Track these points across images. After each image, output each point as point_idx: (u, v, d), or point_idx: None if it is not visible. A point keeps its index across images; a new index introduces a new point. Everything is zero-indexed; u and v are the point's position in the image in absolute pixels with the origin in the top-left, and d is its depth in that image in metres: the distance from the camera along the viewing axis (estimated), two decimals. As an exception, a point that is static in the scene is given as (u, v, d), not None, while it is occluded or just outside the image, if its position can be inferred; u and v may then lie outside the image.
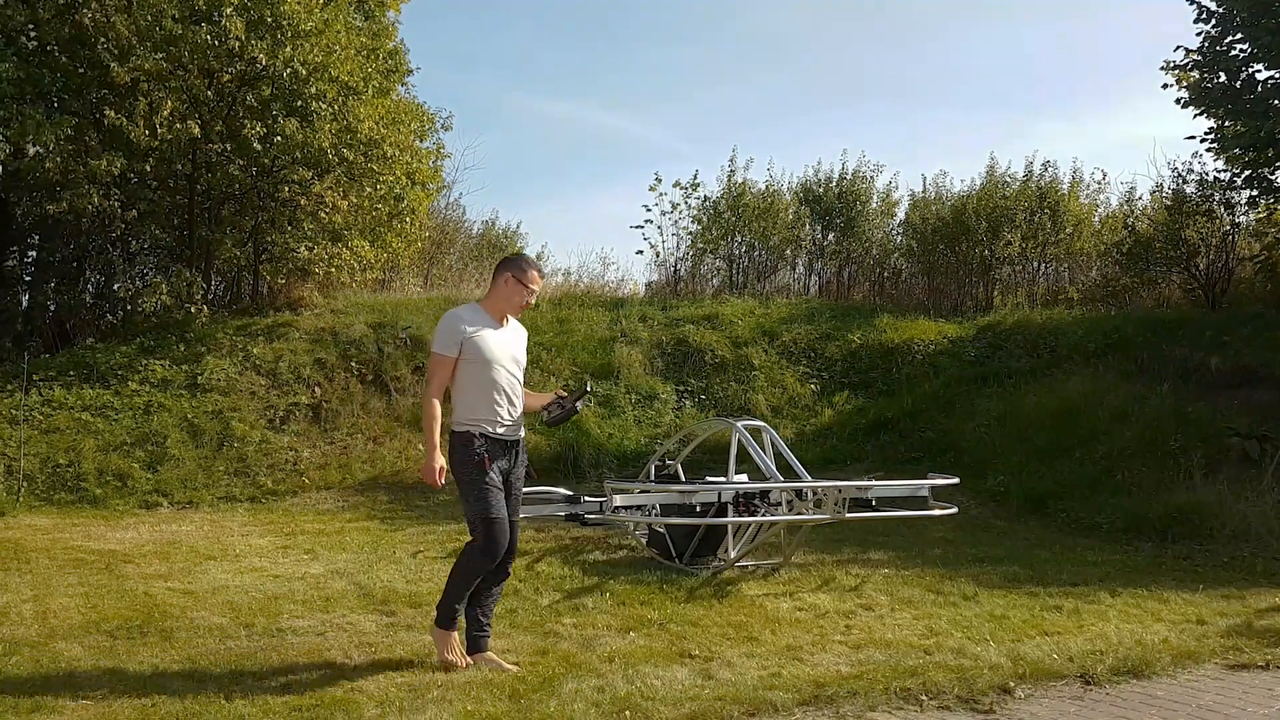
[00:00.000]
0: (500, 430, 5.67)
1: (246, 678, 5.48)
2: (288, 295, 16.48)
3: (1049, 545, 9.87)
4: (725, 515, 8.12)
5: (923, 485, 8.33)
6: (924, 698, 5.25)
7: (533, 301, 6.06)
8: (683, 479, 9.41)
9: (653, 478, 9.34)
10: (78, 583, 7.72)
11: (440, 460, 5.57)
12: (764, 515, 7.94)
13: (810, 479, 8.01)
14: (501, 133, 48.38)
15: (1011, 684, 5.40)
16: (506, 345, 5.80)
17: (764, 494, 8.00)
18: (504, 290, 5.82)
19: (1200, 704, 5.21)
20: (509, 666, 5.65)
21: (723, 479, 8.68)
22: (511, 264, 5.88)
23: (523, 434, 5.86)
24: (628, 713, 4.92)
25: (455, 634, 5.73)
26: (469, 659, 5.70)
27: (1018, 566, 8.72)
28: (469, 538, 5.67)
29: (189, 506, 11.78)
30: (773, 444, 8.52)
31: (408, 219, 16.95)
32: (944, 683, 5.44)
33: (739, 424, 8.56)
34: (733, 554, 8.47)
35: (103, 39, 14.55)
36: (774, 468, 8.21)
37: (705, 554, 8.65)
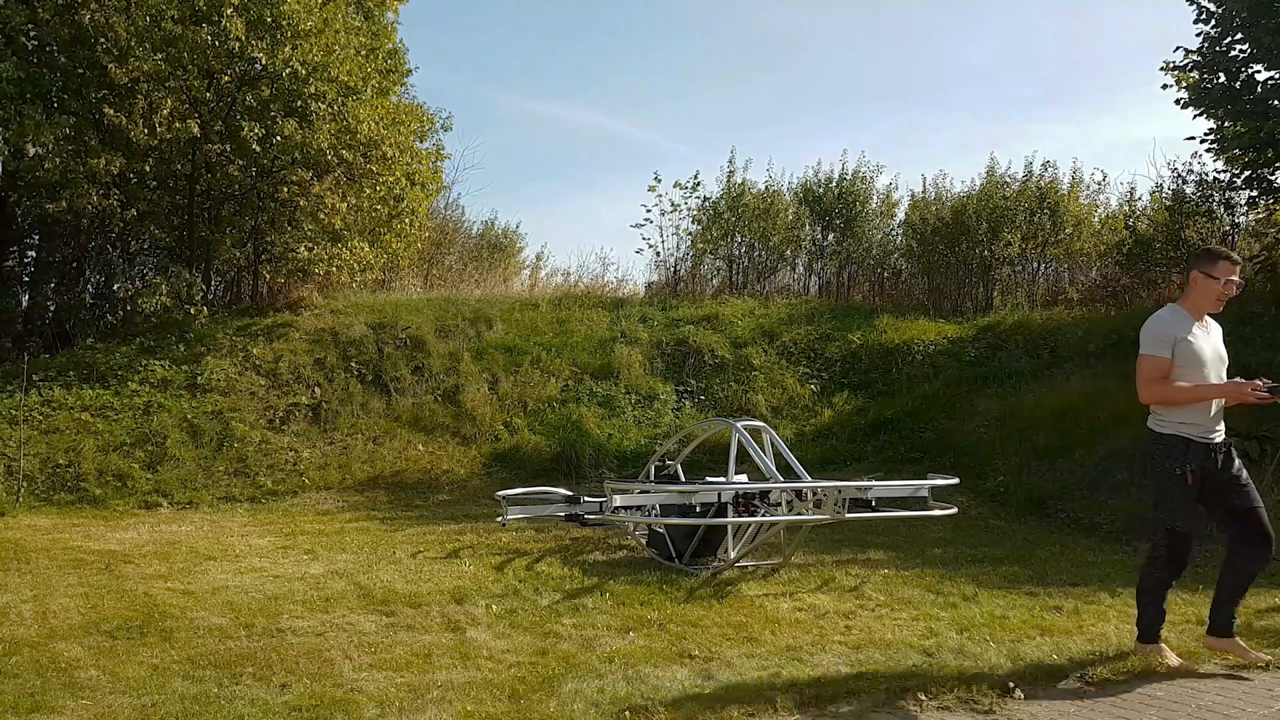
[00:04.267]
0: (1205, 434, 5.65)
1: (246, 678, 5.48)
2: (287, 295, 16.48)
3: (1049, 545, 9.86)
4: (725, 515, 8.11)
5: (923, 485, 8.34)
6: (923, 698, 5.24)
7: (1234, 291, 5.81)
8: (683, 479, 9.41)
9: (653, 478, 9.35)
10: (78, 583, 7.72)
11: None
12: (764, 515, 7.92)
13: (810, 479, 8.02)
14: (501, 133, 48.41)
15: (1011, 684, 5.40)
16: (1212, 346, 5.77)
17: (764, 494, 8.00)
18: (1197, 287, 5.79)
19: (1200, 704, 5.20)
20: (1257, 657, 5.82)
21: (722, 479, 8.68)
22: (1198, 259, 5.83)
23: (1223, 431, 5.78)
24: (628, 713, 4.92)
25: (1160, 645, 5.83)
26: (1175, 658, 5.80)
27: (1018, 566, 8.72)
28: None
29: (189, 507, 11.77)
30: (772, 444, 8.53)
31: (407, 220, 16.95)
32: (944, 683, 5.44)
33: (738, 424, 8.56)
34: (732, 554, 8.47)
35: (102, 39, 14.55)
36: (774, 468, 8.22)
37: (705, 554, 8.65)
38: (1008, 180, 20.20)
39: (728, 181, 20.66)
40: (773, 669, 5.69)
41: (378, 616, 6.82)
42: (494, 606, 7.06)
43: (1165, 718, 5.00)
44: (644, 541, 9.15)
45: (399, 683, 5.40)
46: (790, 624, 6.75)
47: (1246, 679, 5.60)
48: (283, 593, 7.45)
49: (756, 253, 20.99)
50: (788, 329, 16.94)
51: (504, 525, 9.30)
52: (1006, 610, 7.13)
